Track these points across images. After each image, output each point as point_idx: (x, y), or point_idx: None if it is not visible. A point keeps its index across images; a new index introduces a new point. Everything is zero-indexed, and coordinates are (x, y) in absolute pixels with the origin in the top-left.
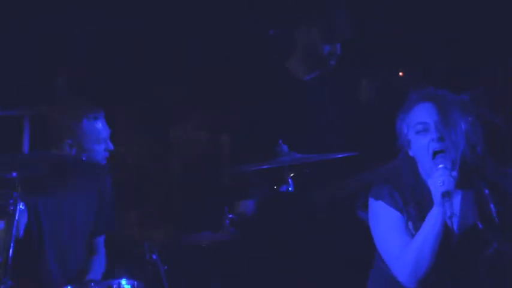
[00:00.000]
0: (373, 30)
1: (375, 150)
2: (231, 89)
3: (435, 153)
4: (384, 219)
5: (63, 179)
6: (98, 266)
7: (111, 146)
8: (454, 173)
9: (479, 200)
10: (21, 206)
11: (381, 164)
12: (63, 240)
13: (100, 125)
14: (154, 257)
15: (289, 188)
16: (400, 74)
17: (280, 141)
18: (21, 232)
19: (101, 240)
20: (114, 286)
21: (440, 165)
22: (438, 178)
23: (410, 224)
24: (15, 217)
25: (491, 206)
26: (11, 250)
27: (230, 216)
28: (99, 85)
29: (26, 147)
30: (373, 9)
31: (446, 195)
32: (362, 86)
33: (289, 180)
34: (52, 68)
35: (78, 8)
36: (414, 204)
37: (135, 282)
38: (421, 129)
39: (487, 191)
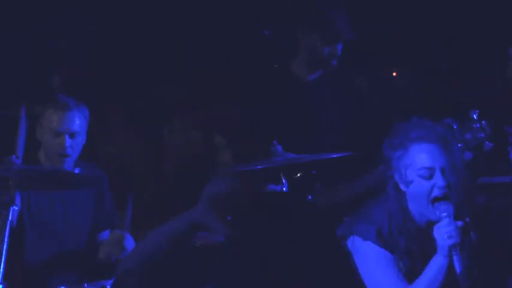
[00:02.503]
0: (372, 30)
1: (373, 151)
2: (231, 89)
3: (436, 199)
4: (374, 261)
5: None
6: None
7: (73, 146)
8: (460, 223)
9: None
10: (15, 207)
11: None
12: (58, 241)
13: (63, 118)
14: None
15: (283, 189)
16: (394, 74)
17: (275, 141)
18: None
19: (104, 234)
20: (108, 286)
21: (444, 214)
22: (444, 229)
23: (401, 263)
24: (8, 218)
25: (471, 233)
26: (4, 251)
27: None
28: (98, 85)
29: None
30: (373, 9)
31: (454, 248)
32: (361, 86)
33: (284, 180)
34: (51, 67)
35: (78, 8)
36: (403, 242)
37: None
38: (426, 175)
39: (467, 219)
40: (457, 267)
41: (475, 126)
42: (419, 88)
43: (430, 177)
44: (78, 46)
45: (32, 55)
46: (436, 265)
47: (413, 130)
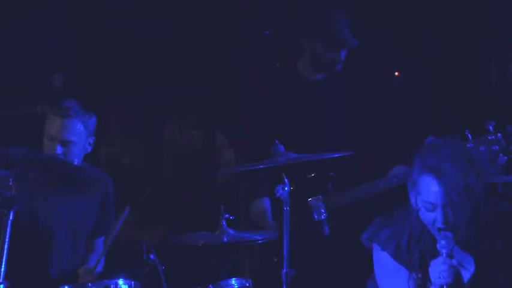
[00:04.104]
0: (372, 30)
1: (374, 151)
2: (232, 88)
3: (440, 230)
4: (388, 272)
5: (61, 183)
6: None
7: (66, 155)
8: (455, 262)
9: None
10: (16, 207)
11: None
12: (60, 241)
13: (58, 125)
14: (152, 257)
15: (285, 188)
16: (396, 73)
17: (276, 141)
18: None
19: (99, 241)
20: (112, 286)
21: (443, 250)
22: (438, 267)
23: (413, 275)
24: (9, 217)
25: (498, 241)
26: (5, 251)
27: (226, 216)
28: (98, 85)
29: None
30: (373, 8)
31: (444, 286)
32: (363, 86)
33: (286, 180)
34: (51, 67)
35: (78, 8)
36: (418, 253)
37: (133, 283)
38: (429, 208)
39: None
40: None
41: (490, 138)
42: (419, 88)
43: (433, 210)
44: (78, 46)
45: (32, 55)
46: None
47: (429, 156)
